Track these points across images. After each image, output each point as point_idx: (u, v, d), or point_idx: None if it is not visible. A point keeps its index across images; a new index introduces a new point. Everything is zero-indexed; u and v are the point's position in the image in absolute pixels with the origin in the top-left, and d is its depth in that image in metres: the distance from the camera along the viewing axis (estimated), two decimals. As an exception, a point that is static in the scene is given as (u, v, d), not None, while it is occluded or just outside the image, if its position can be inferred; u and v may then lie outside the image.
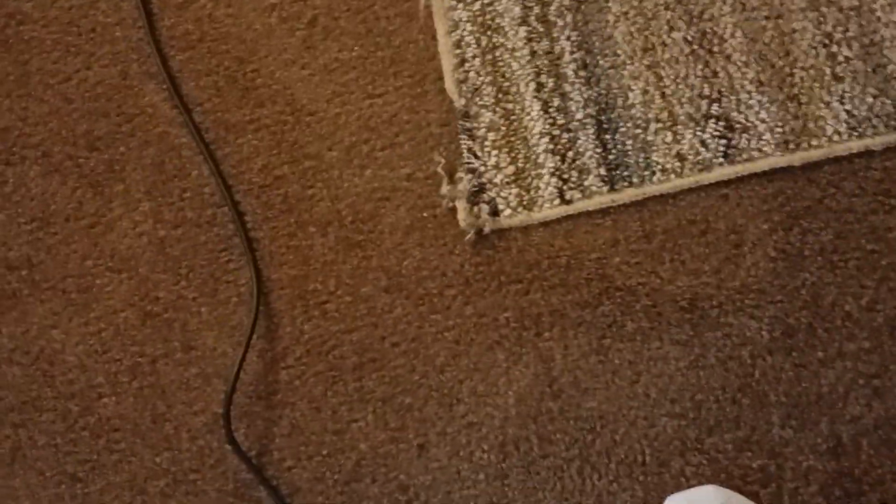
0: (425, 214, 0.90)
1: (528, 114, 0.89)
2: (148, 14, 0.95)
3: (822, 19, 0.86)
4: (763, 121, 0.85)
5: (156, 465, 0.88)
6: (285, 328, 0.89)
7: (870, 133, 0.83)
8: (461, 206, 0.88)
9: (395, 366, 0.88)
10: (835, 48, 0.85)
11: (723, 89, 0.86)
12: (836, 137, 0.84)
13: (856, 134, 0.84)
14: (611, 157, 0.87)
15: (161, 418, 0.89)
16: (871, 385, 0.83)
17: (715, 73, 0.87)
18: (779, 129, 0.85)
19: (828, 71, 0.85)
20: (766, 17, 0.87)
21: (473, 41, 0.90)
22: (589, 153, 0.87)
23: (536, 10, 0.90)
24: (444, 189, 0.89)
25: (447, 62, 0.90)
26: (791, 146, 0.85)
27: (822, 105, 0.85)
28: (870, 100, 0.84)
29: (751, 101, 0.86)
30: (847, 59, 0.85)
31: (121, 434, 0.89)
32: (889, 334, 0.83)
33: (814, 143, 0.84)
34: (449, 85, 0.90)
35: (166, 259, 0.91)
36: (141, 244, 0.92)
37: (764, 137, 0.85)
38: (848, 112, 0.84)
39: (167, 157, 0.93)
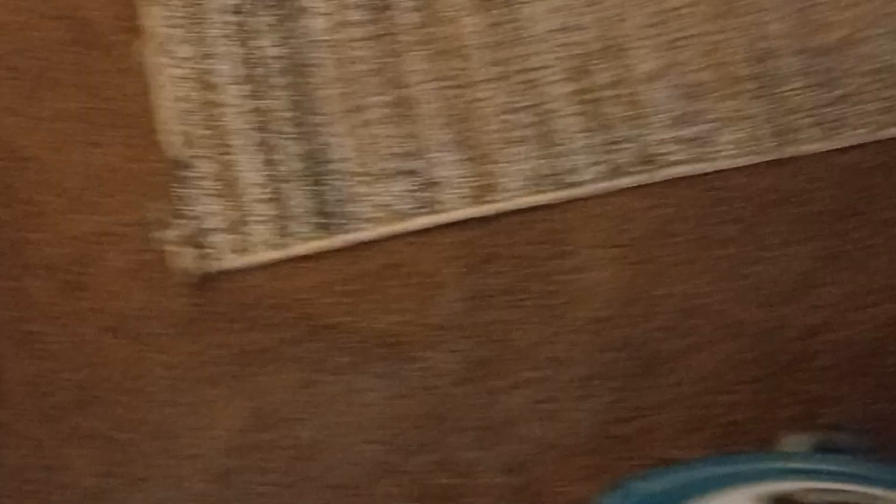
0: (146, 258, 1.04)
1: (244, 165, 1.06)
2: None
3: (503, 90, 1.09)
4: (453, 177, 1.07)
5: None
6: (6, 370, 1.00)
7: (543, 189, 1.06)
8: (179, 251, 1.03)
9: (117, 403, 1.01)
10: (513, 116, 1.08)
11: (420, 148, 1.07)
12: (515, 193, 1.06)
13: (532, 190, 1.06)
14: (320, 206, 1.06)
15: None
16: (544, 409, 1.05)
17: (412, 134, 1.08)
18: (467, 185, 1.06)
19: (508, 135, 1.08)
20: (458, 86, 1.09)
21: (191, 97, 1.06)
22: (300, 203, 1.05)
23: (248, 70, 1.08)
24: (163, 235, 1.04)
25: (164, 116, 1.06)
26: (478, 200, 1.06)
27: (503, 164, 1.07)
28: (542, 161, 1.07)
29: (444, 160, 1.07)
30: (523, 125, 1.08)
31: None
32: (559, 365, 1.05)
33: (496, 197, 1.06)
34: (165, 137, 1.06)
35: None
36: None
37: (455, 192, 1.06)
38: (525, 171, 1.07)
39: None
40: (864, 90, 1.02)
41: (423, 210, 1.03)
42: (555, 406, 1.01)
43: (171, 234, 1.00)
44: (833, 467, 0.68)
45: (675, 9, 1.04)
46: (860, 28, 1.01)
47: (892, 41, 1.01)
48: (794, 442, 0.77)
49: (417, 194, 1.03)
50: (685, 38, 1.03)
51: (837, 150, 1.00)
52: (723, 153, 1.02)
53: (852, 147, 1.00)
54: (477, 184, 1.03)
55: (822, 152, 1.00)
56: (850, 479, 0.66)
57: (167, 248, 1.00)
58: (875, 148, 1.00)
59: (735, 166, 1.01)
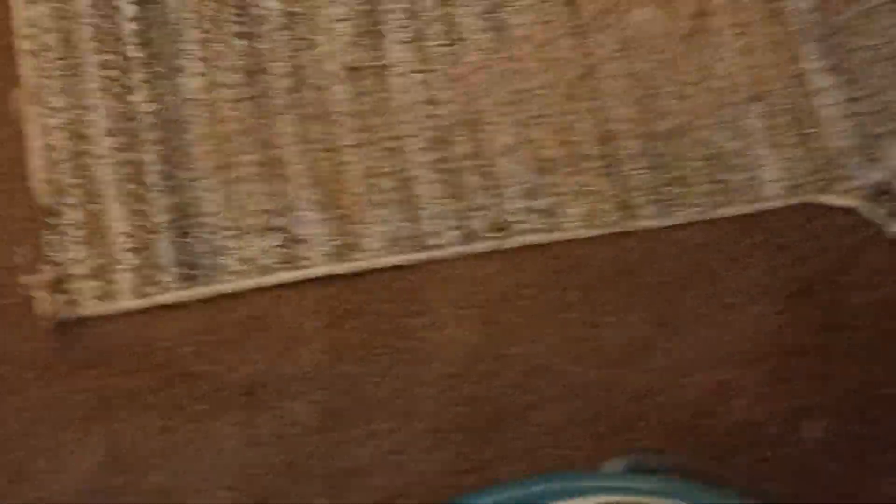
0: (6, 302, 1.06)
1: (112, 215, 1.09)
2: None
3: (368, 155, 1.16)
4: (318, 235, 1.12)
5: None
6: None
7: (402, 251, 1.13)
8: (40, 295, 1.05)
9: (-34, 445, 1.02)
10: (375, 180, 1.15)
11: (286, 206, 1.13)
12: (375, 253, 1.13)
13: (391, 251, 1.13)
14: (186, 257, 1.10)
15: None
16: (395, 460, 1.10)
17: (280, 192, 1.13)
18: (330, 243, 1.12)
19: (371, 198, 1.14)
20: (324, 150, 1.15)
21: (63, 146, 1.10)
22: (167, 254, 1.09)
23: (122, 123, 1.12)
24: (25, 279, 1.06)
25: (35, 163, 1.09)
26: (341, 258, 1.12)
27: (365, 225, 1.13)
28: (402, 224, 1.14)
29: (308, 218, 1.13)
30: (386, 189, 1.15)
31: None
32: (409, 418, 1.11)
33: (357, 256, 1.12)
34: (35, 184, 1.09)
35: None
36: None
37: (318, 249, 1.12)
38: (386, 232, 1.13)
39: None
40: (696, 173, 1.12)
41: (286, 265, 1.08)
42: (404, 457, 1.06)
43: (36, 278, 1.03)
44: (639, 485, 0.78)
45: (531, 90, 1.13)
46: (695, 117, 1.12)
47: (724, 131, 1.13)
48: (612, 464, 0.87)
49: (282, 250, 1.08)
50: (538, 116, 1.13)
51: (672, 226, 1.10)
52: (569, 224, 1.11)
53: (685, 224, 1.10)
54: (340, 242, 1.09)
55: (658, 228, 1.10)
56: (653, 494, 0.76)
57: (30, 292, 1.03)
58: (705, 226, 1.11)
59: (580, 237, 1.10)
